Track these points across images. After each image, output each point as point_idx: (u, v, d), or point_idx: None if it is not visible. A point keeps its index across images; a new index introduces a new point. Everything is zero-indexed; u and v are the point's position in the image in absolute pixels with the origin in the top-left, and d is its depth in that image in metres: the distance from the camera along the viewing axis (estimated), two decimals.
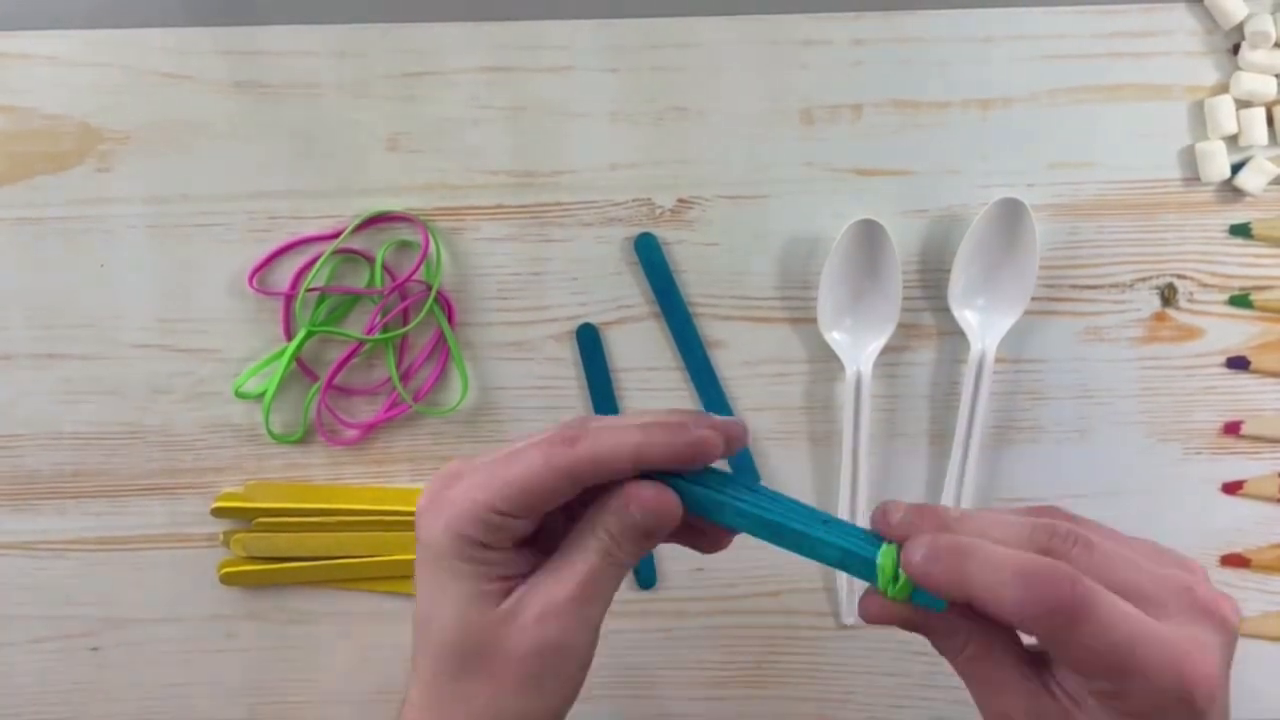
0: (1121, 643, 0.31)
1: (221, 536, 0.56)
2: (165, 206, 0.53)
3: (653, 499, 0.35)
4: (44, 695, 0.58)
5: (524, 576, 0.37)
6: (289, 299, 0.54)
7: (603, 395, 0.55)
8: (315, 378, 0.55)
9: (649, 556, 0.56)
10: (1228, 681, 0.33)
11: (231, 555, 0.56)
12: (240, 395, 0.54)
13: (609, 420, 0.36)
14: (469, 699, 0.36)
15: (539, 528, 0.37)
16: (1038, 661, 0.35)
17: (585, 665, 0.37)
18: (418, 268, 0.54)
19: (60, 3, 0.52)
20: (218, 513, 0.55)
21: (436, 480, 0.37)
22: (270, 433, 0.55)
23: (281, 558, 0.56)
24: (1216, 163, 0.53)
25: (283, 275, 0.54)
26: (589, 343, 0.55)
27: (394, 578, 0.57)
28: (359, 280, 0.54)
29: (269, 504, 0.55)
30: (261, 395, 0.54)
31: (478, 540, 0.36)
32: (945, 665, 0.36)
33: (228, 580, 0.56)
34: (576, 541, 0.36)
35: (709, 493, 0.36)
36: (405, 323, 0.55)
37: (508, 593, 0.36)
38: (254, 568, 0.56)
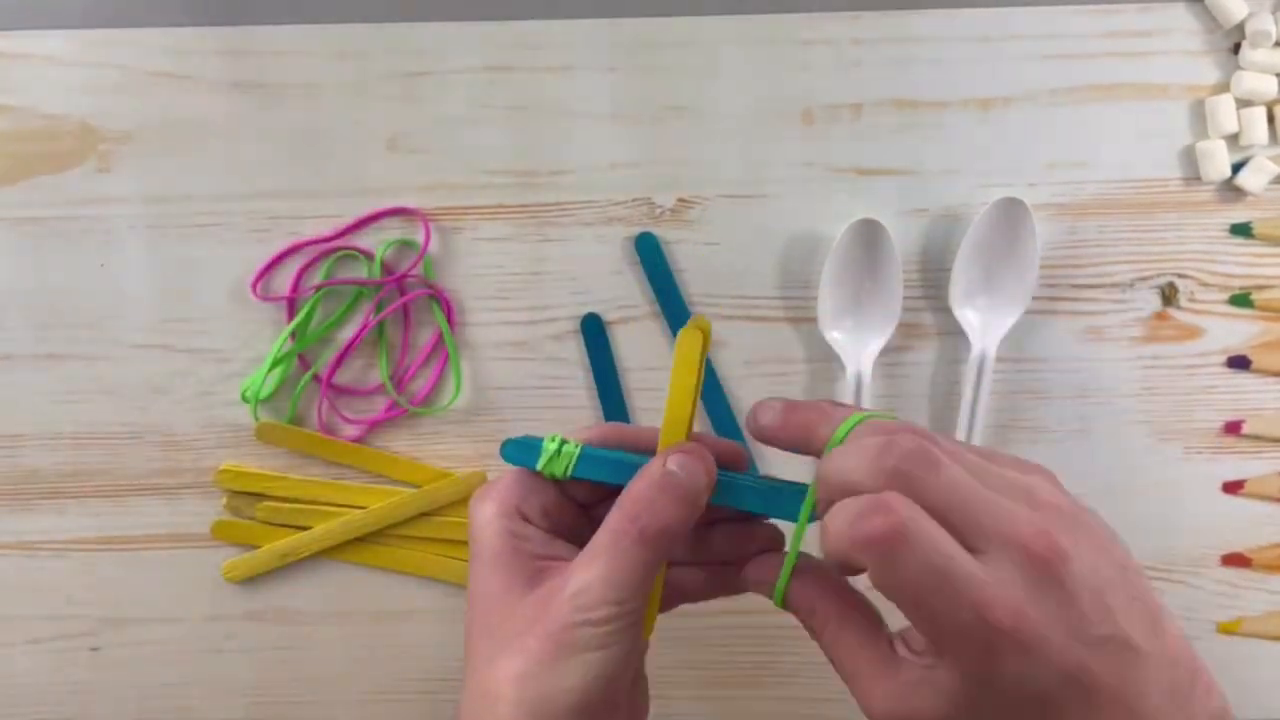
0: (930, 580, 0.32)
1: (225, 500, 0.56)
2: (165, 206, 0.54)
3: (689, 451, 0.38)
4: (44, 695, 0.58)
5: (562, 561, 0.38)
6: (290, 300, 0.54)
7: (608, 386, 0.55)
8: (316, 378, 0.55)
9: None
10: (1047, 615, 0.32)
11: (229, 517, 0.56)
12: (246, 399, 0.54)
13: None
14: (512, 678, 0.36)
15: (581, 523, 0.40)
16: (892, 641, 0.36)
17: (624, 643, 0.36)
18: (418, 262, 0.54)
19: (60, 3, 0.52)
20: (220, 481, 0.55)
21: (485, 484, 0.41)
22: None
23: (287, 525, 0.56)
24: (1217, 162, 0.53)
25: (283, 276, 0.54)
26: (594, 333, 0.55)
27: (405, 537, 0.57)
28: None
29: (273, 483, 0.56)
30: (263, 397, 0.54)
31: (520, 512, 0.38)
32: None
33: (218, 533, 0.56)
34: (608, 522, 0.37)
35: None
36: (405, 322, 0.55)
37: (543, 573, 0.38)
38: (251, 524, 0.56)
